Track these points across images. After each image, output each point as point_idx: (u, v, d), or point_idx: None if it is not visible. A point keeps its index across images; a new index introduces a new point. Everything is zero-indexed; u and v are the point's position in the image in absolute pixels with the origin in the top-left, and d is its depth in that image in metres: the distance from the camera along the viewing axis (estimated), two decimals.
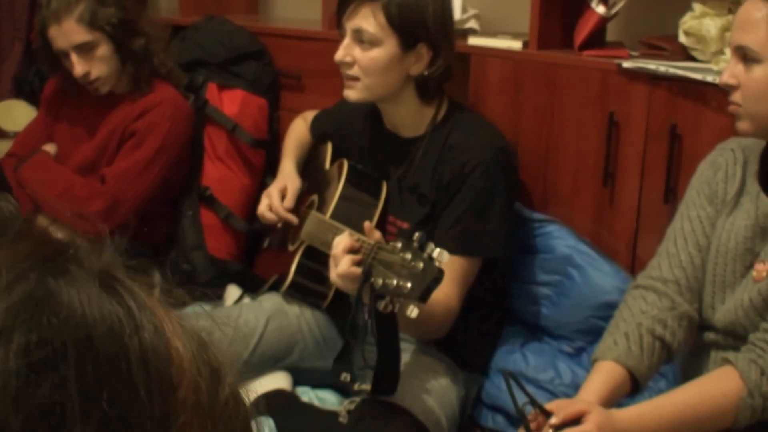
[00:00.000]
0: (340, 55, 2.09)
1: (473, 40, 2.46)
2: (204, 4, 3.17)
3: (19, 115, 3.12)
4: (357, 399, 1.95)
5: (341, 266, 1.75)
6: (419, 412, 1.95)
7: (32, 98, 3.15)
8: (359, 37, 2.06)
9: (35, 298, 0.48)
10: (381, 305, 1.66)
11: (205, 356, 0.55)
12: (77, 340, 0.48)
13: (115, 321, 0.50)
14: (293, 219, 2.28)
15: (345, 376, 1.80)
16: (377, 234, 1.80)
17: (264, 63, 2.89)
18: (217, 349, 0.56)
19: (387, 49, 2.05)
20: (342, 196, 2.17)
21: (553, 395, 2.02)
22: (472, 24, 2.56)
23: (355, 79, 2.09)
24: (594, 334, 2.06)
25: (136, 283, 0.54)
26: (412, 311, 1.63)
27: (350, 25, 2.07)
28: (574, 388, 1.95)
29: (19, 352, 0.46)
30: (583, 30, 2.29)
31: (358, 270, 1.73)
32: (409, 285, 1.61)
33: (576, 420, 1.59)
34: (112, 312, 0.50)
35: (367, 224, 1.82)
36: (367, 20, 2.04)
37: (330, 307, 2.25)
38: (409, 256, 1.63)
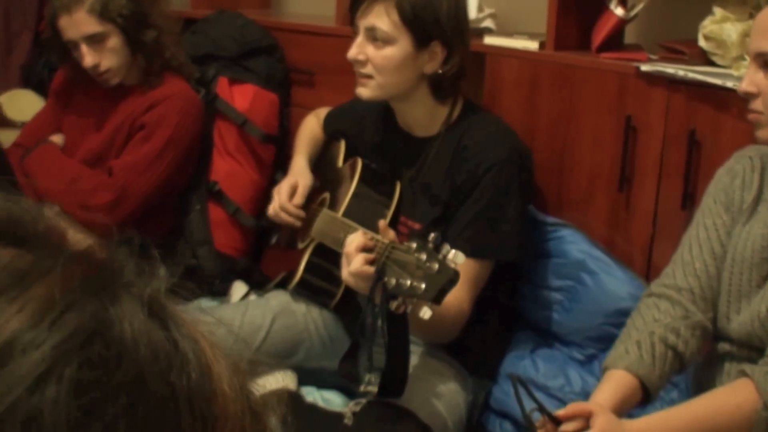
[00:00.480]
0: (353, 53, 2.07)
1: (489, 40, 2.43)
2: None
3: (26, 104, 3.10)
4: (362, 401, 1.92)
5: (354, 264, 1.72)
6: (426, 416, 1.92)
7: (40, 88, 3.13)
8: (372, 35, 2.03)
9: (87, 331, 0.44)
10: (393, 305, 1.64)
11: (248, 398, 0.51)
12: (129, 378, 0.44)
13: (164, 356, 0.46)
14: (299, 217, 2.25)
15: (369, 378, 1.77)
16: (391, 233, 1.78)
17: (276, 58, 2.87)
18: (258, 387, 0.53)
19: (400, 47, 2.03)
20: (355, 195, 2.15)
21: (563, 403, 1.98)
22: (488, 23, 2.53)
23: (369, 77, 2.06)
24: (606, 341, 2.03)
25: (180, 309, 0.50)
26: (425, 313, 1.60)
27: (363, 23, 2.05)
28: (584, 396, 1.92)
29: (71, 391, 0.42)
30: (601, 32, 2.26)
31: (371, 269, 1.70)
32: (423, 286, 1.58)
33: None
34: (161, 346, 0.46)
35: (381, 223, 1.80)
36: (381, 18, 2.02)
37: (337, 307, 2.22)
38: (424, 256, 1.60)
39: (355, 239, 1.75)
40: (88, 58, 2.53)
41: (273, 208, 2.29)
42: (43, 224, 0.50)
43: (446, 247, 1.61)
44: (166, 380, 0.46)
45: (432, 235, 1.64)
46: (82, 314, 0.44)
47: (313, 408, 2.05)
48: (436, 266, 1.59)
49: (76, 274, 0.47)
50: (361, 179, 2.17)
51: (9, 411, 0.41)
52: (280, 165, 2.74)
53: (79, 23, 2.51)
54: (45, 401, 0.42)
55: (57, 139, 2.72)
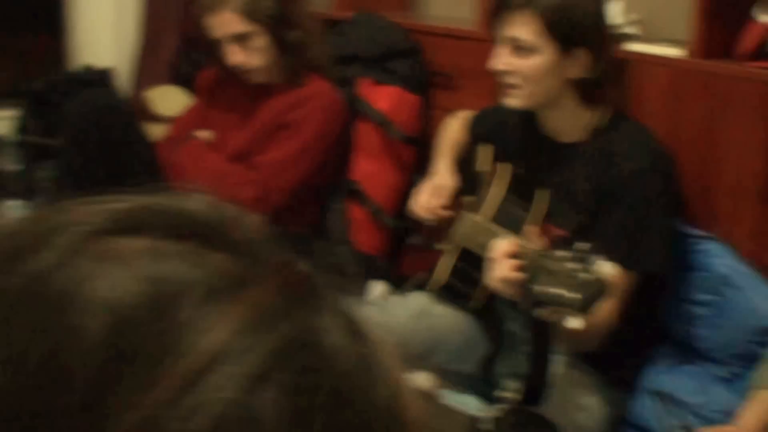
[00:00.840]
0: (497, 63, 2.07)
1: (633, 46, 2.40)
2: None
3: (174, 101, 3.20)
4: (501, 406, 1.93)
5: (501, 270, 1.72)
6: (567, 426, 1.91)
7: (187, 85, 3.23)
8: (516, 45, 2.03)
9: (298, 339, 0.45)
10: (540, 313, 1.63)
11: (430, 422, 0.51)
12: (333, 390, 0.44)
13: (361, 373, 0.46)
14: (442, 219, 2.27)
15: (509, 384, 1.78)
16: (540, 241, 1.77)
17: (417, 61, 2.88)
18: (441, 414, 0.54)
19: (545, 55, 2.02)
20: (500, 200, 2.14)
21: (705, 420, 1.94)
22: (633, 29, 2.50)
23: (515, 86, 2.06)
24: (751, 359, 1.97)
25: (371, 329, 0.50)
26: (573, 323, 1.59)
27: (505, 32, 2.04)
28: (728, 415, 1.88)
29: (285, 396, 0.43)
30: (747, 40, 2.21)
31: (519, 275, 1.70)
32: (572, 295, 1.57)
33: None
34: (357, 362, 0.46)
35: (532, 229, 1.79)
36: (523, 28, 2.01)
37: (477, 311, 2.22)
38: (574, 265, 1.59)
39: (502, 245, 1.76)
40: (234, 56, 2.60)
41: (417, 208, 2.30)
42: (245, 231, 0.50)
43: (597, 257, 1.60)
44: (365, 397, 0.45)
45: (581, 244, 1.62)
46: (294, 323, 0.45)
47: (449, 409, 2.06)
48: (586, 276, 1.57)
49: (285, 283, 0.47)
50: (507, 185, 2.17)
51: (226, 409, 0.42)
52: (421, 167, 2.76)
53: (225, 23, 2.58)
54: (260, 404, 0.42)
55: (205, 134, 2.79)
